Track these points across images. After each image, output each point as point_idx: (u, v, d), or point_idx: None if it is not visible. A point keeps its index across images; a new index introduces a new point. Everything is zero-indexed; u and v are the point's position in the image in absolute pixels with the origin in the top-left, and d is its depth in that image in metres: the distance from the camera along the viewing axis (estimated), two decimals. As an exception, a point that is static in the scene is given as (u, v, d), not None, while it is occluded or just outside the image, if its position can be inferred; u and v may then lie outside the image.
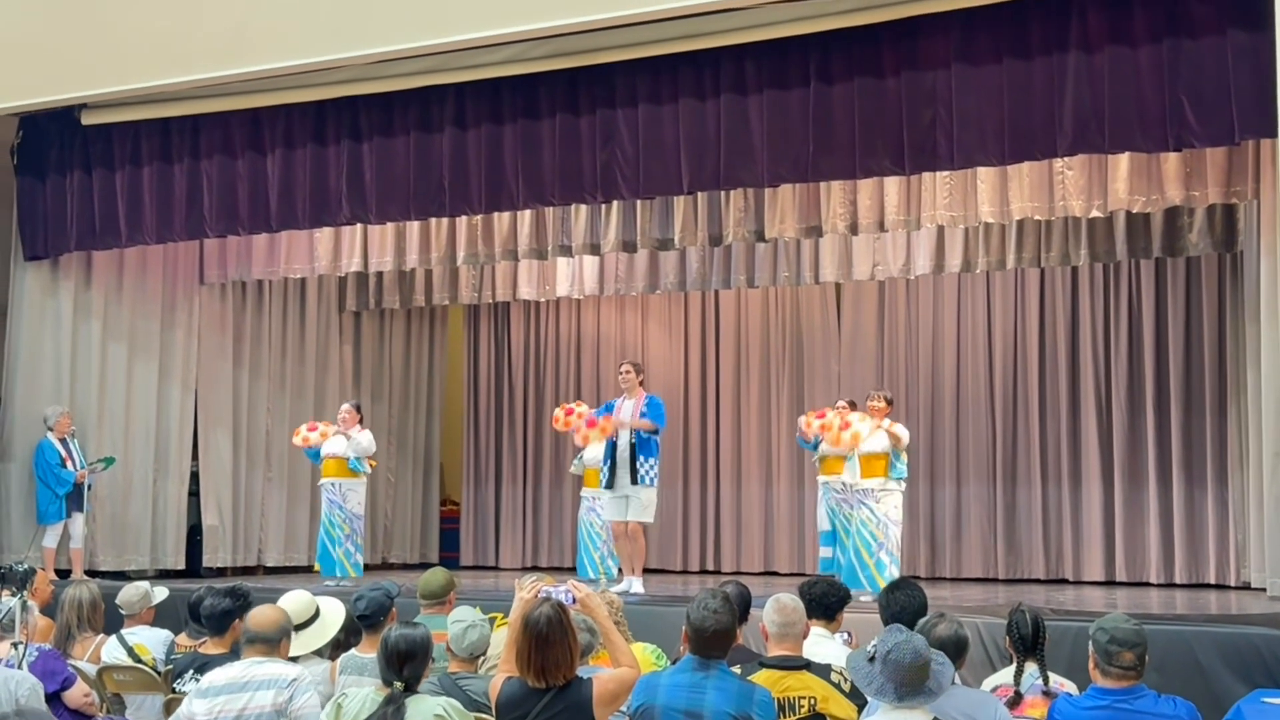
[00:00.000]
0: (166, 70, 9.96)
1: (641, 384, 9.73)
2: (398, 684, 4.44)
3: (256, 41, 9.61)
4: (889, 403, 9.67)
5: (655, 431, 9.52)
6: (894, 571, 9.10)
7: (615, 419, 9.58)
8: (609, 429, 9.63)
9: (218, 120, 10.41)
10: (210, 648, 5.86)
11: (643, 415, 9.54)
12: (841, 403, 10.25)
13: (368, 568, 11.54)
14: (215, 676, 4.85)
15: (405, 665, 4.47)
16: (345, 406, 11.16)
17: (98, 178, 10.92)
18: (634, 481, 9.44)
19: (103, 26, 10.09)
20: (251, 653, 4.91)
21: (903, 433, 9.47)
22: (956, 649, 4.65)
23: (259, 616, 5.01)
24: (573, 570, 11.62)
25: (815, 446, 10.56)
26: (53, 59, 10.24)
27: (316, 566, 10.93)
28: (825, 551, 10.39)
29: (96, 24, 10.12)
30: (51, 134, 11.10)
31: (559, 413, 11.39)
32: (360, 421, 11.06)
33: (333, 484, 10.87)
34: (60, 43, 10.19)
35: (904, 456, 9.46)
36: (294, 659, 5.67)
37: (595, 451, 10.49)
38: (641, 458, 9.46)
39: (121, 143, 10.81)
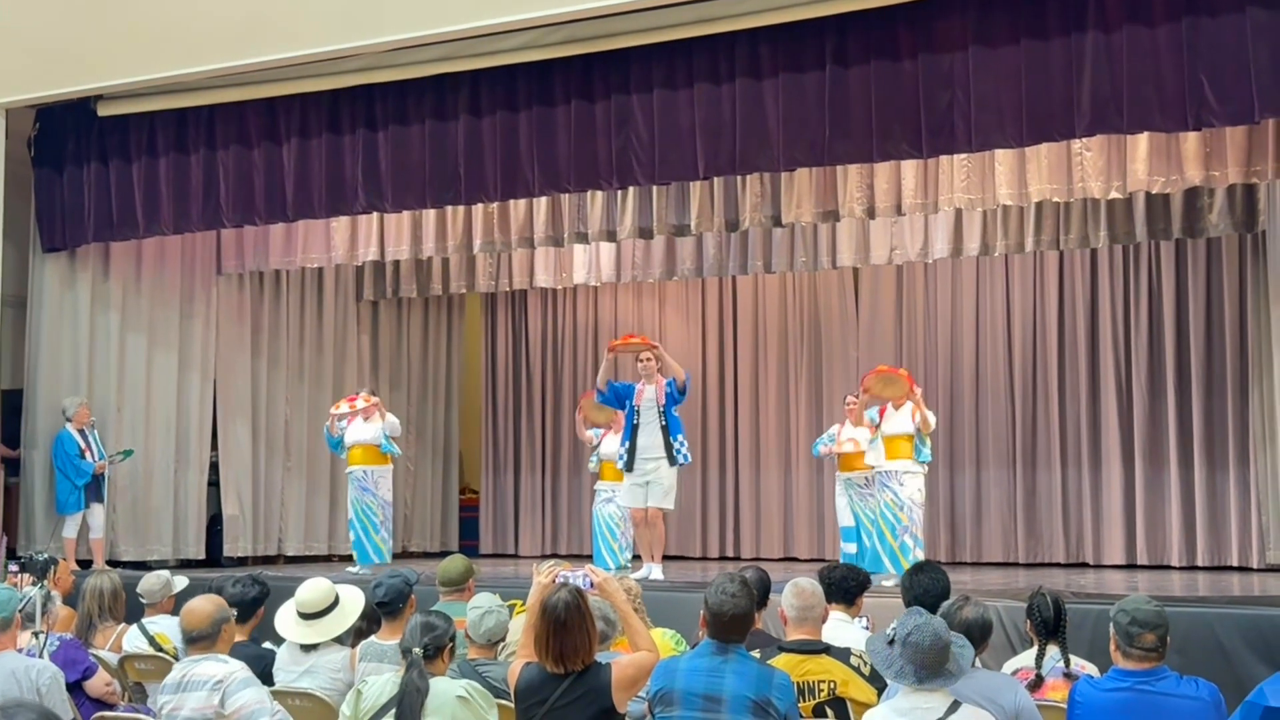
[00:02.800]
0: (182, 61, 10.00)
1: (660, 371, 9.72)
2: (417, 650, 4.45)
3: (271, 31, 9.64)
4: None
5: (684, 392, 9.57)
6: (918, 554, 9.04)
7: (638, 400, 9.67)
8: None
9: (233, 110, 10.41)
10: (230, 636, 5.87)
11: (666, 397, 9.54)
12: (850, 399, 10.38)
13: (388, 556, 11.57)
14: (170, 675, 4.82)
15: (427, 634, 4.50)
16: (364, 394, 11.16)
17: (114, 169, 10.94)
18: (671, 462, 9.46)
19: (118, 18, 10.13)
20: (190, 652, 4.85)
21: (930, 418, 9.42)
22: (981, 632, 4.63)
23: (187, 615, 4.89)
24: (591, 559, 11.62)
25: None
26: (68, 51, 10.28)
27: (353, 555, 10.93)
28: (849, 547, 10.32)
29: (111, 15, 10.16)
30: (68, 125, 11.12)
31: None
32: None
33: (363, 471, 10.84)
34: (75, 34, 10.23)
35: (929, 442, 9.44)
36: (264, 650, 5.64)
37: (611, 446, 10.49)
38: (674, 436, 9.48)
39: (138, 133, 10.82)
